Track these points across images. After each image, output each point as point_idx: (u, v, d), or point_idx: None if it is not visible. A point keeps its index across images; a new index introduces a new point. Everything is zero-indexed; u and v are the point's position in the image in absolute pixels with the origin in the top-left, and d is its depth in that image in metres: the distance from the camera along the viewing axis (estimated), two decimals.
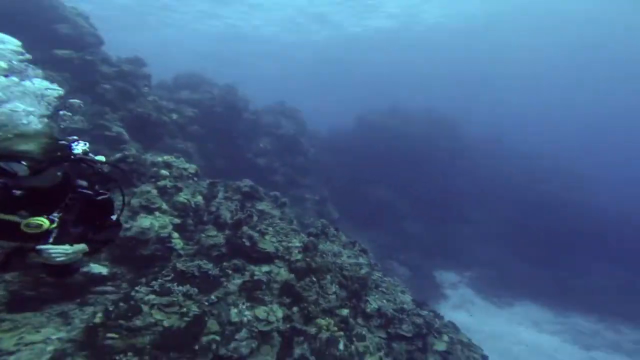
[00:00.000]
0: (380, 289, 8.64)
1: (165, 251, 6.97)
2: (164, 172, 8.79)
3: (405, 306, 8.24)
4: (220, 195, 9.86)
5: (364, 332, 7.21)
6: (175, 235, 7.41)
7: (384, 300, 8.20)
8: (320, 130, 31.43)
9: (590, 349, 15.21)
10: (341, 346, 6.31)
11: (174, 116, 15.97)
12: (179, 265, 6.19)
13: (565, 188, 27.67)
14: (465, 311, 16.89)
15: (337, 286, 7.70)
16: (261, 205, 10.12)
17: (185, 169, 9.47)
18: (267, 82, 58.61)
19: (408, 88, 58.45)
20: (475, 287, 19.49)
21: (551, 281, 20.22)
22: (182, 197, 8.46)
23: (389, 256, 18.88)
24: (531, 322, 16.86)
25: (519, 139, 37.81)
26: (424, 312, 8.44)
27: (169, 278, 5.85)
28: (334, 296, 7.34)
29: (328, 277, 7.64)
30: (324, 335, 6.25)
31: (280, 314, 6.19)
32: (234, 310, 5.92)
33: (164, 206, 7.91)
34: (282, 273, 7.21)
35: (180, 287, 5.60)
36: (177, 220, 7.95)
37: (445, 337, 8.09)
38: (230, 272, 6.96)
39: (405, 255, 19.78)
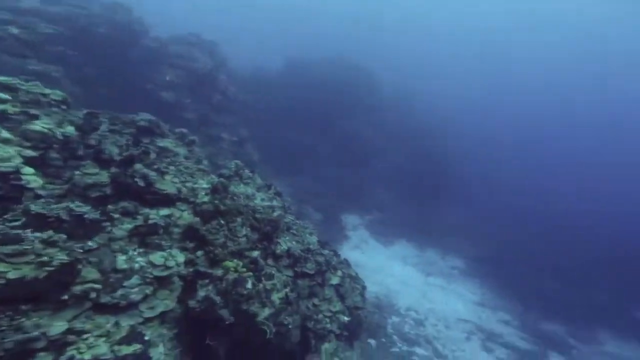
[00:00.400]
0: (291, 231, 8.97)
1: (11, 190, 5.22)
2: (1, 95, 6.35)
3: (311, 246, 8.85)
4: (104, 127, 7.86)
5: (273, 272, 7.48)
6: (29, 170, 5.59)
7: (294, 242, 8.60)
8: (245, 69, 28.40)
9: (429, 275, 20.41)
10: (249, 285, 6.38)
11: (14, 30, 11.83)
12: (34, 207, 4.75)
13: (446, 142, 32.89)
14: (360, 250, 19.89)
15: (248, 229, 7.56)
16: (163, 143, 8.61)
17: (44, 95, 7.06)
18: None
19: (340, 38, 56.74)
20: (370, 229, 22.89)
21: (420, 222, 25.16)
22: (38, 126, 6.34)
23: (305, 200, 19.87)
24: (401, 257, 21.31)
25: (428, 97, 41.70)
26: (326, 252, 9.29)
27: (18, 223, 4.45)
28: (244, 239, 7.21)
29: (239, 219, 7.37)
30: (232, 276, 6.16)
31: (181, 258, 5.70)
32: (121, 257, 5.09)
33: (6, 135, 5.78)
34: (185, 216, 6.52)
35: (37, 234, 4.36)
36: (31, 153, 5.99)
37: (339, 272, 9.22)
38: (116, 215, 5.85)
39: (320, 200, 21.20)
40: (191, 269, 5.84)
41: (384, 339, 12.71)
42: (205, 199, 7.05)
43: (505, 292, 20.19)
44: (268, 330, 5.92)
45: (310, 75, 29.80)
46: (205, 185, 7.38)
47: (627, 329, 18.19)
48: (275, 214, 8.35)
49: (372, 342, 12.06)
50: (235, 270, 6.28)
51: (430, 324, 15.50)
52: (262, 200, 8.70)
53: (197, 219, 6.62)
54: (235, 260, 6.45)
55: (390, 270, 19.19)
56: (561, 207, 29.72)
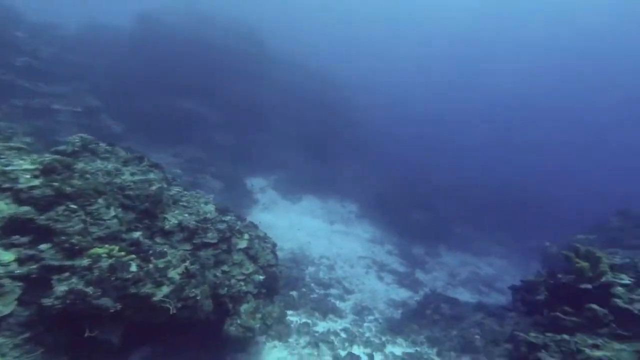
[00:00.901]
0: (180, 203, 7.84)
1: None
2: None
3: (208, 215, 8.06)
4: None
5: (165, 249, 6.44)
6: None
7: (186, 214, 7.58)
8: (66, 25, 21.63)
9: (333, 223, 22.88)
10: (133, 268, 5.29)
11: None
12: None
13: (343, 102, 34.86)
14: (270, 211, 19.91)
15: (119, 209, 6.11)
16: None
17: None
18: None
19: None
20: (277, 189, 23.07)
21: (321, 176, 26.97)
22: None
23: (200, 170, 17.90)
24: (309, 211, 22.74)
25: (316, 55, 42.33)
26: (227, 218, 8.69)
27: None
28: (114, 221, 5.80)
29: (101, 200, 5.82)
30: (105, 263, 4.92)
31: (8, 257, 4.07)
32: None
33: None
34: (3, 207, 4.62)
35: None
36: None
37: (246, 236, 8.87)
38: None
39: (218, 167, 19.55)
40: (34, 266, 4.29)
41: (304, 289, 13.48)
42: (36, 182, 5.15)
43: (388, 227, 24.15)
44: (170, 307, 5.17)
45: (175, 35, 25.37)
46: (28, 166, 5.37)
47: (454, 243, 24.77)
48: (153, 188, 7.04)
49: (294, 293, 12.59)
50: (110, 256, 5.04)
51: (339, 266, 17.40)
52: (133, 174, 7.13)
53: (27, 208, 4.80)
54: (107, 246, 5.14)
55: (301, 225, 20.13)
56: (427, 159, 36.52)
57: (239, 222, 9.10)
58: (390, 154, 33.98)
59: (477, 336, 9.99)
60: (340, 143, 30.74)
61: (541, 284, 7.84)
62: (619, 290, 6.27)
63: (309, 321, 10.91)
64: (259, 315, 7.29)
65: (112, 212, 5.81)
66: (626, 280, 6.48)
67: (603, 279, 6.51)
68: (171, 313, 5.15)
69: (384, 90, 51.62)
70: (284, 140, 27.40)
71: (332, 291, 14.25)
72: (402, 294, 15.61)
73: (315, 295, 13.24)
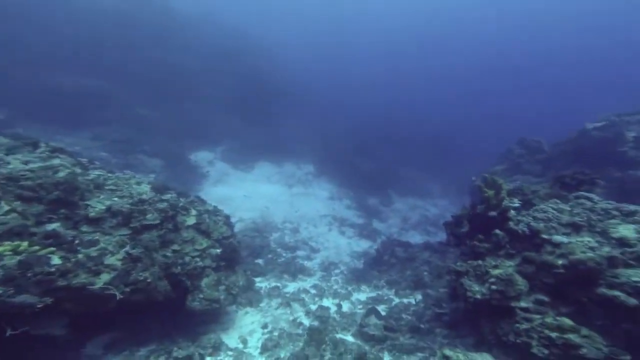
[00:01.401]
0: (106, 187, 6.75)
1: None
2: None
3: (144, 196, 7.14)
4: None
5: (96, 237, 5.57)
6: None
7: (115, 198, 6.58)
8: None
9: (292, 186, 22.79)
10: (56, 260, 4.47)
11: None
12: None
13: (268, 61, 32.88)
14: (224, 183, 18.92)
15: (17, 202, 4.97)
16: None
17: None
18: None
19: None
20: (227, 160, 21.84)
21: (271, 140, 26.01)
22: None
23: (131, 150, 15.87)
24: (265, 178, 22.19)
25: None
26: (168, 196, 7.83)
27: None
28: (13, 215, 4.72)
29: None
30: (11, 261, 4.03)
31: None
32: None
33: None
34: None
35: None
36: None
37: (194, 212, 8.19)
38: None
39: (151, 145, 17.52)
40: None
41: (270, 255, 13.42)
42: None
43: (342, 182, 24.75)
44: (116, 293, 4.59)
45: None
46: None
47: (403, 189, 26.42)
48: (61, 174, 5.85)
49: (260, 261, 12.48)
50: (17, 252, 4.14)
51: (303, 228, 17.61)
52: (27, 163, 5.80)
53: None
54: (8, 243, 4.19)
55: (259, 193, 19.61)
56: (364, 113, 37.18)
57: (182, 200, 8.29)
58: (331, 111, 33.93)
59: (425, 273, 11.06)
60: (279, 105, 29.30)
61: (465, 217, 8.29)
62: (512, 213, 6.93)
63: (279, 284, 10.99)
64: (222, 287, 7.01)
65: (5, 207, 4.70)
66: (516, 203, 7.16)
67: (503, 205, 7.05)
68: (118, 299, 4.58)
69: (313, 50, 49.90)
70: (219, 108, 25.28)
71: (299, 253, 14.47)
72: (363, 244, 16.54)
73: (282, 259, 13.31)
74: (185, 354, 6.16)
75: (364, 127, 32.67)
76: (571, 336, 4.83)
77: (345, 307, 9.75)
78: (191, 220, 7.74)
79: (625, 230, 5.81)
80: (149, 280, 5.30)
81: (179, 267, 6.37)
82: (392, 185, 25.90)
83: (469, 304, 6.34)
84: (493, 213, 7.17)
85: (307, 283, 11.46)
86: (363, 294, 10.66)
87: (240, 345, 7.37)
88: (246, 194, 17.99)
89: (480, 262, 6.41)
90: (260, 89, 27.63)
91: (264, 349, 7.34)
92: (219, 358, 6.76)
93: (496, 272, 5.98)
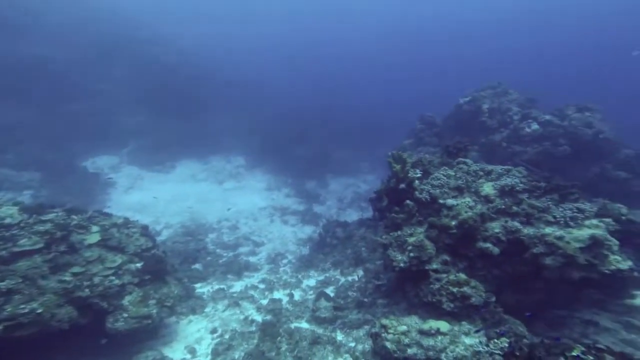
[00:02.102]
0: None
1: None
2: None
3: (10, 220, 5.41)
4: None
5: None
6: None
7: None
8: None
9: (222, 182, 21.34)
10: None
11: None
12: None
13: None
14: (138, 189, 16.27)
15: None
16: None
17: None
18: None
19: None
20: (137, 162, 18.83)
21: (190, 136, 23.59)
22: None
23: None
24: (189, 176, 20.06)
25: None
26: (51, 216, 6.15)
27: None
28: None
29: None
30: None
31: None
32: None
33: None
34: None
35: None
36: None
37: (95, 228, 6.72)
38: None
39: (18, 153, 13.81)
40: None
41: (210, 257, 12.20)
42: None
43: (279, 171, 24.14)
44: None
45: None
46: None
47: (336, 169, 27.02)
48: None
49: (198, 265, 11.21)
50: None
51: (242, 223, 16.55)
52: None
53: None
54: None
55: (184, 194, 17.55)
56: (288, 100, 36.71)
57: (75, 217, 6.64)
58: (256, 102, 32.78)
59: (363, 249, 11.52)
60: (198, 98, 26.87)
61: (383, 192, 8.73)
62: (416, 183, 7.60)
63: (223, 286, 10.09)
64: (152, 301, 5.92)
65: None
66: (418, 174, 7.80)
67: (409, 176, 7.72)
68: None
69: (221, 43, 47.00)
70: (118, 105, 21.58)
71: (242, 250, 13.55)
72: (307, 230, 16.48)
73: (224, 260, 12.24)
74: None
75: (294, 116, 32.40)
76: (466, 289, 5.59)
77: (297, 295, 9.52)
78: (94, 238, 6.31)
79: (488, 188, 6.81)
80: (38, 312, 4.02)
81: (86, 290, 5.05)
82: (327, 168, 26.42)
83: (396, 273, 6.80)
84: (403, 185, 7.76)
85: (254, 279, 10.81)
86: (312, 280, 10.59)
87: (188, 356, 6.78)
88: (156, 196, 15.77)
89: (399, 232, 6.81)
90: (169, 82, 24.39)
91: (215, 354, 6.71)
92: None
93: (411, 239, 6.46)
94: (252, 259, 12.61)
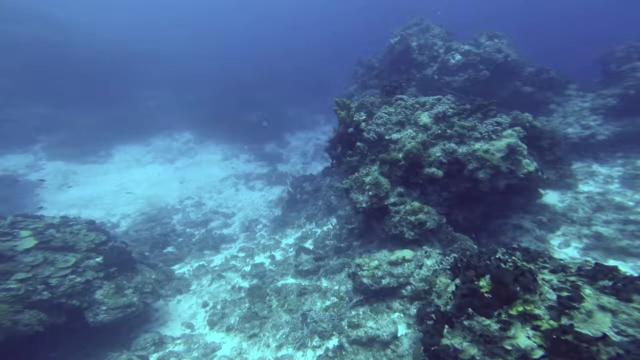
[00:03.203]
0: None
1: None
2: None
3: None
4: None
5: None
6: None
7: None
8: None
9: (174, 160, 19.87)
10: None
11: None
12: None
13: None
14: (75, 184, 14.56)
15: None
16: None
17: None
18: None
19: None
20: (60, 156, 16.56)
21: (121, 119, 21.14)
22: None
23: None
24: (133, 161, 18.29)
25: None
26: None
27: None
28: None
29: None
30: None
31: None
32: None
33: None
34: None
35: None
36: None
37: (26, 232, 5.95)
38: None
39: None
40: None
41: (181, 239, 11.75)
42: None
43: (234, 139, 23.02)
44: None
45: None
46: None
47: (294, 127, 26.55)
48: None
49: (170, 249, 10.79)
50: None
51: (207, 198, 15.91)
52: None
53: None
54: None
55: (132, 181, 16.15)
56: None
57: None
58: (189, 76, 29.82)
59: (332, 197, 11.85)
60: (117, 80, 23.58)
61: (336, 139, 8.82)
62: (363, 125, 7.87)
63: (203, 262, 9.95)
64: (129, 290, 5.66)
65: None
66: (363, 116, 8.06)
67: (355, 120, 7.99)
68: None
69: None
70: (8, 97, 17.95)
71: (213, 224, 13.22)
72: (276, 191, 16.41)
73: (197, 238, 11.90)
74: None
75: (235, 84, 30.18)
76: (421, 215, 6.10)
77: (278, 255, 9.76)
78: (28, 243, 5.60)
79: (424, 118, 7.31)
80: None
81: (45, 293, 4.62)
82: (284, 127, 25.84)
83: (362, 213, 7.18)
84: (351, 129, 8.04)
85: (233, 249, 10.78)
86: (290, 238, 10.84)
87: (188, 331, 6.94)
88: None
89: (356, 174, 7.07)
90: (74, 64, 20.48)
91: (212, 324, 6.88)
92: (168, 350, 6.27)
93: (368, 179, 6.74)
94: (226, 231, 12.44)
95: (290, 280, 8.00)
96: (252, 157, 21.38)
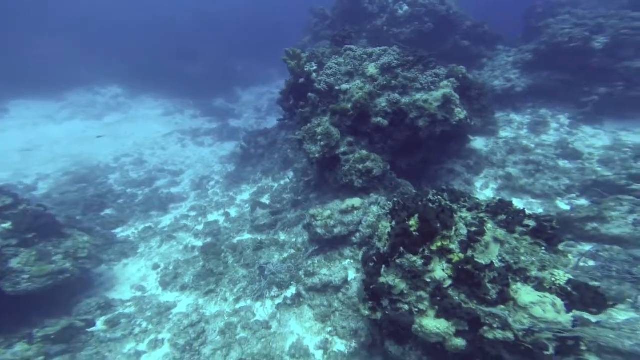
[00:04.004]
0: None
1: None
2: None
3: None
4: None
5: None
6: None
7: None
8: None
9: (101, 117, 17.31)
10: None
11: None
12: None
13: None
14: None
15: None
16: None
17: None
18: None
19: None
20: None
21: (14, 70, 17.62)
22: None
23: None
24: (42, 117, 15.47)
25: None
26: None
27: None
28: None
29: None
30: None
31: None
32: None
33: None
34: None
35: None
36: None
37: None
38: None
39: None
40: None
41: (121, 200, 10.65)
42: None
43: (175, 94, 20.89)
44: None
45: None
46: None
47: (245, 81, 24.48)
48: None
49: (109, 211, 9.77)
50: None
51: (149, 155, 14.36)
52: None
53: None
54: None
55: (45, 138, 13.76)
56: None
57: None
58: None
59: (289, 150, 11.51)
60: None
61: (288, 91, 8.61)
62: (314, 76, 7.68)
63: (149, 224, 9.27)
64: (58, 257, 5.06)
65: None
66: (314, 66, 7.86)
67: (306, 70, 7.75)
68: None
69: None
70: None
71: (159, 183, 12.15)
72: (228, 147, 15.43)
73: (140, 198, 10.90)
74: (61, 327, 5.08)
75: (170, 35, 26.12)
76: (368, 163, 6.31)
77: (234, 212, 9.49)
78: None
79: (372, 69, 7.29)
80: None
81: None
82: (234, 82, 23.90)
83: (316, 164, 7.22)
84: (302, 80, 7.81)
85: (183, 209, 10.17)
86: (245, 194, 10.52)
87: (139, 293, 6.64)
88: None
89: (309, 125, 6.97)
90: None
91: (165, 284, 6.64)
92: (118, 312, 5.99)
93: (319, 129, 6.70)
94: (174, 190, 11.56)
95: (246, 236, 7.91)
96: (199, 112, 19.56)
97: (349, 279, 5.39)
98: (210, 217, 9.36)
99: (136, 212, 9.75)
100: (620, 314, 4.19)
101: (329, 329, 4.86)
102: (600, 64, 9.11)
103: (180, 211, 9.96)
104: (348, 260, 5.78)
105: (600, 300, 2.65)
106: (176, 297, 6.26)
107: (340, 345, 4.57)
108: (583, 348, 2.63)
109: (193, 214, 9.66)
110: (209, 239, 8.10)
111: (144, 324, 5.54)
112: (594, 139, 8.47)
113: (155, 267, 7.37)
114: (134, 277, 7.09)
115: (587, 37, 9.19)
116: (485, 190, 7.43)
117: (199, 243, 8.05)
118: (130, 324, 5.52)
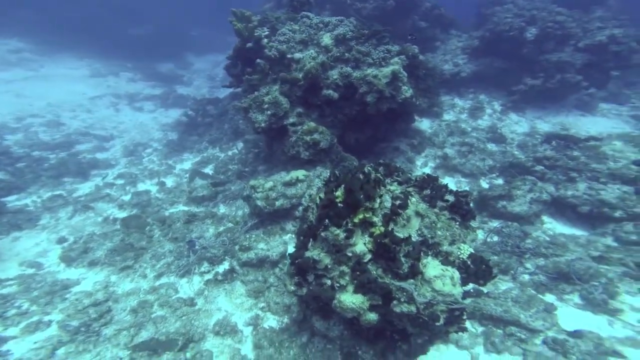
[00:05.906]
0: None
1: None
2: None
3: None
4: None
5: None
6: None
7: None
8: None
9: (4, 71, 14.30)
10: None
11: None
12: None
13: None
14: None
15: None
16: None
17: None
18: None
19: None
20: None
21: None
22: None
23: None
24: None
25: None
26: None
27: None
28: None
29: None
30: None
31: None
32: None
33: None
34: None
35: None
36: None
37: None
38: None
39: None
40: None
41: (22, 163, 8.65)
42: None
43: (108, 56, 18.27)
44: None
45: None
46: None
47: (199, 48, 22.07)
48: None
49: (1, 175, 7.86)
50: None
51: (70, 117, 12.02)
52: None
53: None
54: None
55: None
56: None
57: None
58: None
59: (240, 121, 10.46)
60: None
61: (235, 57, 7.99)
62: (265, 41, 6.93)
63: (61, 192, 7.67)
64: None
65: None
66: (266, 31, 7.18)
67: (255, 35, 7.02)
68: None
69: None
70: None
71: (82, 147, 10.24)
72: (173, 114, 13.64)
73: (52, 162, 9.02)
74: None
75: None
76: (315, 135, 5.82)
77: (170, 182, 8.32)
78: None
79: (326, 39, 6.74)
80: None
81: None
82: (185, 47, 21.54)
83: (262, 134, 6.58)
84: (250, 44, 7.10)
85: (109, 177, 8.66)
86: (187, 162, 9.33)
87: (31, 270, 5.30)
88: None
89: (256, 93, 6.29)
90: None
91: (69, 260, 5.39)
92: None
93: (267, 98, 6.04)
94: (100, 156, 9.80)
95: (181, 208, 6.93)
96: (140, 76, 17.02)
97: (288, 254, 4.91)
98: (141, 187, 8.05)
99: (42, 178, 7.98)
100: (502, 284, 4.49)
101: (262, 304, 4.34)
102: (529, 55, 9.59)
103: (105, 179, 8.47)
104: (289, 235, 5.25)
105: (487, 272, 2.67)
106: (81, 274, 5.16)
107: (272, 321, 4.09)
108: (464, 318, 2.69)
109: (120, 182, 8.26)
110: (135, 211, 6.95)
111: (25, 305, 4.42)
112: (516, 126, 9.04)
113: (61, 240, 6.03)
114: (26, 253, 5.68)
115: (522, 27, 9.54)
116: (424, 169, 7.48)
117: (123, 214, 6.85)
118: (4, 305, 4.37)
